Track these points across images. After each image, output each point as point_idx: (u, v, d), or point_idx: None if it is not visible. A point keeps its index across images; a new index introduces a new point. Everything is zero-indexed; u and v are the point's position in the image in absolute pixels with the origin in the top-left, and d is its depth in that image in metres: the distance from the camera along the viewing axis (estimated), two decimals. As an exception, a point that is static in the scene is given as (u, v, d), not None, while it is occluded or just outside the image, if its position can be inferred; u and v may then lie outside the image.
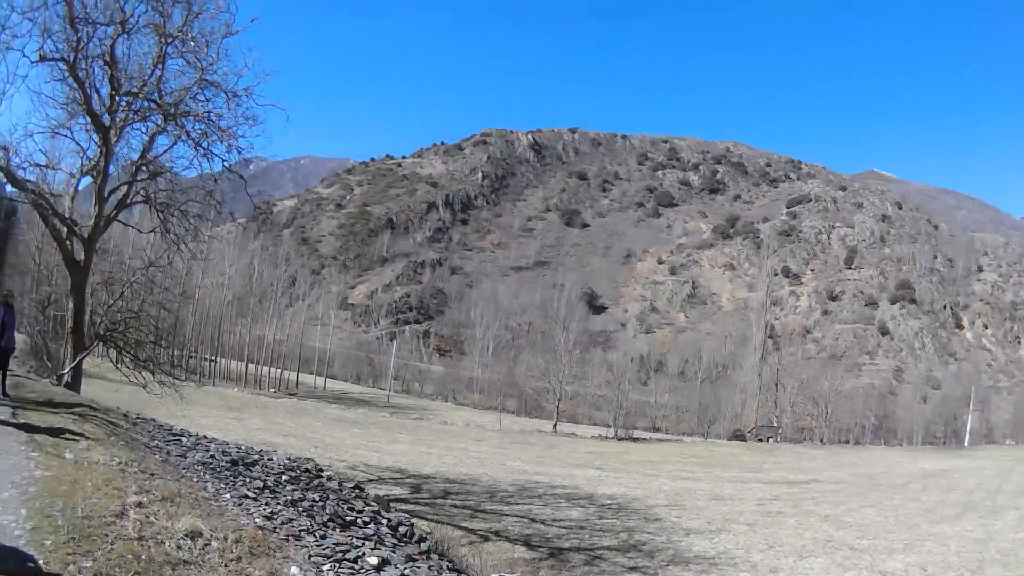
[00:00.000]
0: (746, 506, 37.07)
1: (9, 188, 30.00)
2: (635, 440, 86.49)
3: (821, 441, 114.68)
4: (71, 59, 25.63)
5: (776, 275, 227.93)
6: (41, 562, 8.54)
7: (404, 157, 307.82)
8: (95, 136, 29.34)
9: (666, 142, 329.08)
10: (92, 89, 27.48)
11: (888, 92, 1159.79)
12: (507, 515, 30.67)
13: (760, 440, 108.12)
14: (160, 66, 27.36)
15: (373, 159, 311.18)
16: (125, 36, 26.75)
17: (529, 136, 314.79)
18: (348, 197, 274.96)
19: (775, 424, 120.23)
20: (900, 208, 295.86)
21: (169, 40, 26.76)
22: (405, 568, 13.76)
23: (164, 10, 26.43)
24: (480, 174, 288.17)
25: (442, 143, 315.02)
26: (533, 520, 29.81)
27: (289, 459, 24.26)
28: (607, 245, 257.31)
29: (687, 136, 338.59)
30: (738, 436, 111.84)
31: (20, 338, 26.88)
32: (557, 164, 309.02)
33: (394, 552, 15.24)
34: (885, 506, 41.00)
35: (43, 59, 25.52)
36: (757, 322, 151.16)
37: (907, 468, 74.69)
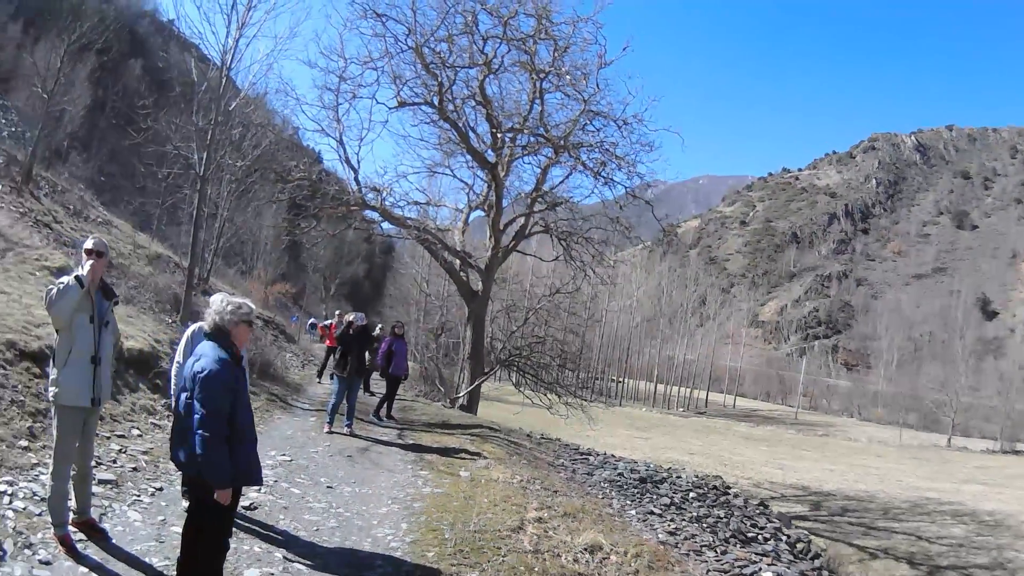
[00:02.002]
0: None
1: (386, 226, 31.06)
2: (1017, 453, 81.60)
3: None
4: (436, 103, 26.22)
5: None
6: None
7: (800, 169, 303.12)
8: (480, 172, 30.21)
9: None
10: (468, 128, 28.03)
11: None
12: (897, 532, 30.23)
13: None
14: (539, 101, 27.36)
15: (771, 174, 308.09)
16: (492, 76, 27.18)
17: (912, 138, 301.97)
18: (751, 214, 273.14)
19: None
20: None
21: (542, 76, 26.80)
22: (796, 584, 13.21)
23: (529, 48, 26.64)
24: (874, 181, 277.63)
25: (834, 152, 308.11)
26: (919, 538, 29.34)
27: (697, 476, 24.18)
28: (995, 246, 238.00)
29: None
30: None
31: (410, 366, 27.79)
32: (941, 164, 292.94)
33: (788, 568, 15.12)
34: None
35: (402, 104, 26.38)
36: None
37: None
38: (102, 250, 7.51)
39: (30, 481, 8.60)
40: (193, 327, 9.29)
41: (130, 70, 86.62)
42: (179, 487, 9.53)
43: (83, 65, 52.16)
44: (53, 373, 7.29)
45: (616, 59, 27.39)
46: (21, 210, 25.27)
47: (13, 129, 39.05)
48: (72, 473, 7.52)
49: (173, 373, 8.88)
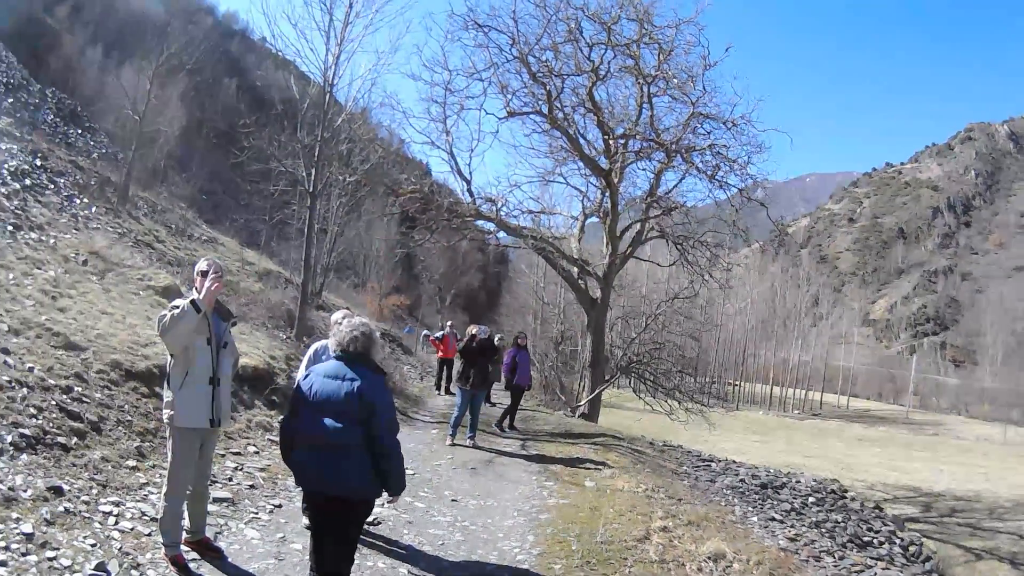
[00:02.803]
0: None
1: (501, 235, 30.98)
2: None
3: None
4: (545, 111, 26.03)
5: None
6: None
7: (902, 163, 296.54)
8: (592, 179, 30.08)
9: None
10: (578, 135, 27.79)
11: None
12: (1001, 532, 30.07)
13: None
14: (648, 105, 27.15)
15: (875, 169, 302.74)
16: (600, 82, 26.84)
17: (1005, 127, 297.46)
18: (858, 210, 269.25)
19: None
20: None
21: (649, 80, 26.51)
22: (908, 587, 13.46)
23: (634, 53, 26.43)
24: (972, 172, 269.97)
25: (933, 144, 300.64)
26: (1022, 537, 28.98)
27: (816, 481, 24.16)
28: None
29: None
30: None
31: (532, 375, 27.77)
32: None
33: (901, 572, 15.40)
34: None
35: (512, 115, 26.17)
36: None
37: None
38: (218, 271, 7.38)
39: (139, 501, 8.71)
40: (316, 345, 9.43)
41: (225, 89, 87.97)
42: (299, 504, 9.59)
43: (175, 86, 52.76)
44: (168, 395, 7.26)
45: (720, 60, 27.07)
46: (119, 230, 25.52)
47: (104, 151, 39.30)
48: (187, 493, 7.51)
49: None
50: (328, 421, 6.15)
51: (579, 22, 25.71)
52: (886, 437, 75.64)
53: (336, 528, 6.45)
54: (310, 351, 9.38)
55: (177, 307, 7.03)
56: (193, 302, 7.00)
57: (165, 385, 7.34)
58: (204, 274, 7.31)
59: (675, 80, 26.48)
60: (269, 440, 13.50)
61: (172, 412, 7.16)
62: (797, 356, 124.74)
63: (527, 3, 25.58)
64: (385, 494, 6.58)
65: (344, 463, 6.16)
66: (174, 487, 7.26)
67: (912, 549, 19.67)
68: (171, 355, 7.26)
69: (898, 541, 19.75)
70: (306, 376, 6.57)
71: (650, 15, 26.04)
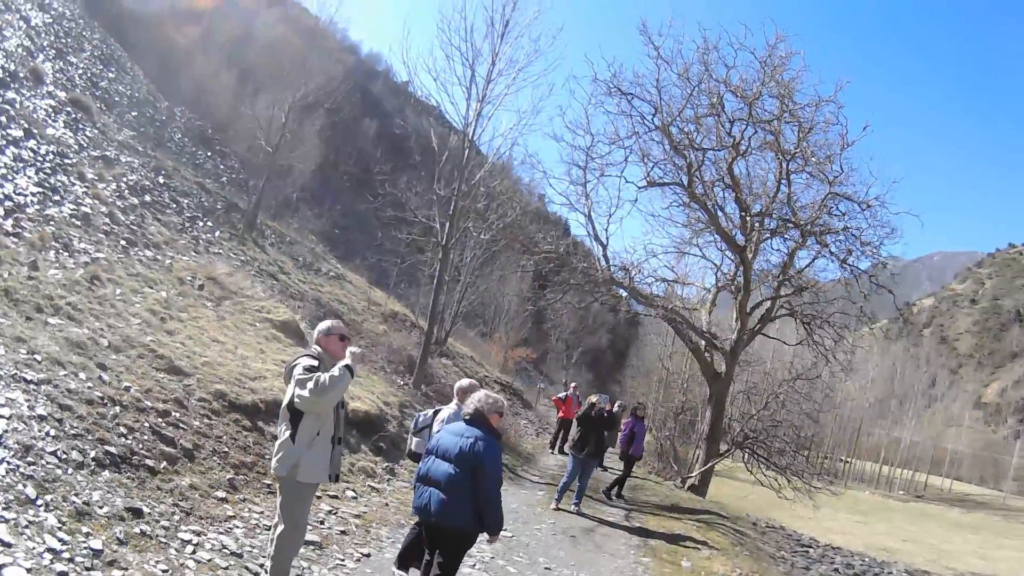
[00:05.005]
0: None
1: (633, 303, 30.81)
2: None
3: None
4: (685, 183, 25.91)
5: None
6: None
7: (1023, 244, 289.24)
8: (728, 252, 29.72)
9: None
10: (716, 208, 27.58)
11: None
12: None
13: None
14: (786, 183, 26.71)
15: (999, 249, 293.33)
16: (740, 158, 26.66)
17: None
18: (980, 291, 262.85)
19: None
20: None
21: (789, 157, 26.14)
22: None
23: (774, 129, 26.05)
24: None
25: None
26: None
27: (907, 573, 24.75)
28: None
29: None
30: None
31: (647, 440, 27.67)
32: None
33: None
34: None
35: (651, 184, 26.22)
36: None
37: None
38: (345, 333, 7.82)
39: (222, 533, 8.71)
40: (419, 415, 10.05)
41: (364, 131, 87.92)
42: (388, 555, 9.74)
43: (312, 123, 52.61)
44: (291, 450, 7.23)
45: (857, 140, 26.43)
46: (242, 258, 25.65)
47: (233, 176, 39.34)
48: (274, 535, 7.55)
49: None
50: (446, 468, 7.41)
51: (721, 96, 25.74)
52: (981, 523, 74.69)
53: (444, 551, 7.55)
54: (417, 417, 9.93)
55: (312, 368, 7.14)
56: (348, 367, 7.11)
57: (286, 439, 7.27)
58: (342, 337, 7.70)
59: (814, 158, 26.26)
60: (370, 487, 13.45)
61: (298, 467, 7.19)
62: (909, 437, 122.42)
63: (670, 72, 25.31)
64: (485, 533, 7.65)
65: (456, 502, 7.33)
66: (298, 538, 7.47)
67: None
68: (290, 412, 7.27)
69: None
70: (439, 431, 8.16)
71: (791, 91, 25.92)
